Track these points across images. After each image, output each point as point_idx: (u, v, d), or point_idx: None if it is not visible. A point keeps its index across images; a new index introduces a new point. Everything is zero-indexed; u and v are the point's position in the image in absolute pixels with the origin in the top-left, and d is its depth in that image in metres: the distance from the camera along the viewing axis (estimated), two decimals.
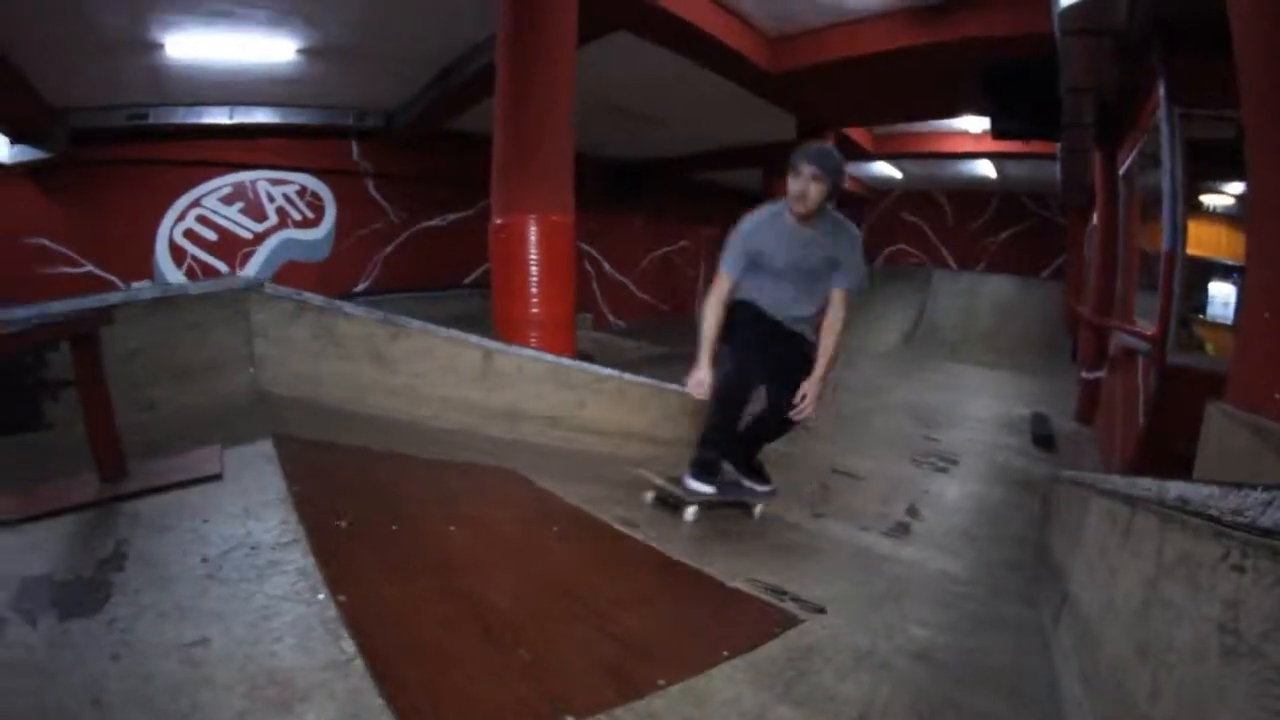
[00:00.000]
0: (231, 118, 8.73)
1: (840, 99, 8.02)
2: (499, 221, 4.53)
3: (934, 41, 6.28)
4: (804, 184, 2.93)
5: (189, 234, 9.27)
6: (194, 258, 9.29)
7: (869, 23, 6.63)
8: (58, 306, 2.79)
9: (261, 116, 8.85)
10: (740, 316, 3.12)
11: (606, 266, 14.28)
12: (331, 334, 3.31)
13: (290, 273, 9.68)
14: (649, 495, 3.16)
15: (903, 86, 7.45)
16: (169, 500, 2.01)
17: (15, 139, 8.19)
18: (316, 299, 3.35)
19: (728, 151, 12.10)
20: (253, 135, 9.08)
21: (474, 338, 3.70)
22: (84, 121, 8.48)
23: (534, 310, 4.42)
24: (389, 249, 10.45)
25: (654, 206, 14.61)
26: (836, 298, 3.11)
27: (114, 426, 2.13)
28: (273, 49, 7.25)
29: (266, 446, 2.34)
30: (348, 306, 3.48)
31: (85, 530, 1.86)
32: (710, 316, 3.05)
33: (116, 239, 9.06)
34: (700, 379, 3.04)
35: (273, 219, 9.73)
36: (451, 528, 2.20)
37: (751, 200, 12.37)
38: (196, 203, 9.31)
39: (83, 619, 1.44)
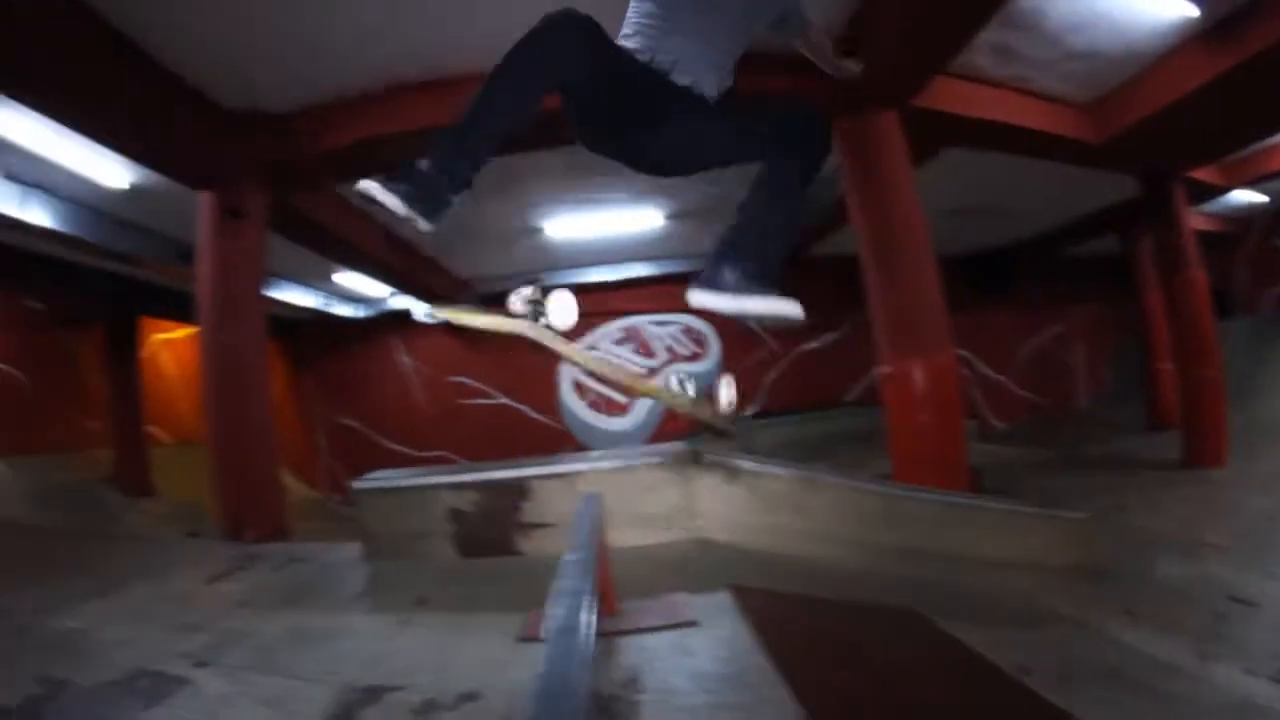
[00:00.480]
0: (614, 274, 10.52)
1: (1171, 145, 7.30)
2: (888, 370, 4.93)
3: (1234, 64, 5.61)
4: None
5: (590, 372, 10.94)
6: (596, 392, 11.13)
7: (1167, 62, 6.10)
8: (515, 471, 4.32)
9: (640, 270, 10.50)
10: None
11: (982, 367, 13.42)
12: (758, 491, 4.08)
13: None
14: None
15: (1229, 111, 6.62)
16: (661, 640, 2.69)
17: (432, 303, 10.75)
18: (747, 464, 4.14)
19: (1079, 222, 11.17)
20: (636, 285, 10.72)
21: (875, 484, 4.19)
22: (487, 287, 10.82)
23: (928, 450, 4.72)
24: (773, 374, 11.24)
25: (1019, 295, 13.45)
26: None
27: (610, 577, 2.78)
28: (644, 219, 8.66)
29: (724, 596, 3.00)
30: (774, 467, 4.24)
31: (599, 655, 2.46)
32: None
33: (525, 377, 11.34)
34: None
35: (663, 355, 11.15)
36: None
37: (1114, 267, 11.45)
38: (593, 346, 11.12)
39: None
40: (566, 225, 8.67)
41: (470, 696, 2.41)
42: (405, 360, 12.31)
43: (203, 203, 5.97)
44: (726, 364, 10.88)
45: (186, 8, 4.55)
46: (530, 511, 4.29)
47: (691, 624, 2.93)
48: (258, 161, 5.92)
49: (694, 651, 2.62)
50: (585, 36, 1.74)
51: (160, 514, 9.25)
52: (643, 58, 1.93)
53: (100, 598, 4.16)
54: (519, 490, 4.35)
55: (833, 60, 2.52)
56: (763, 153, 2.03)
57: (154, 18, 4.59)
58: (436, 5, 4.85)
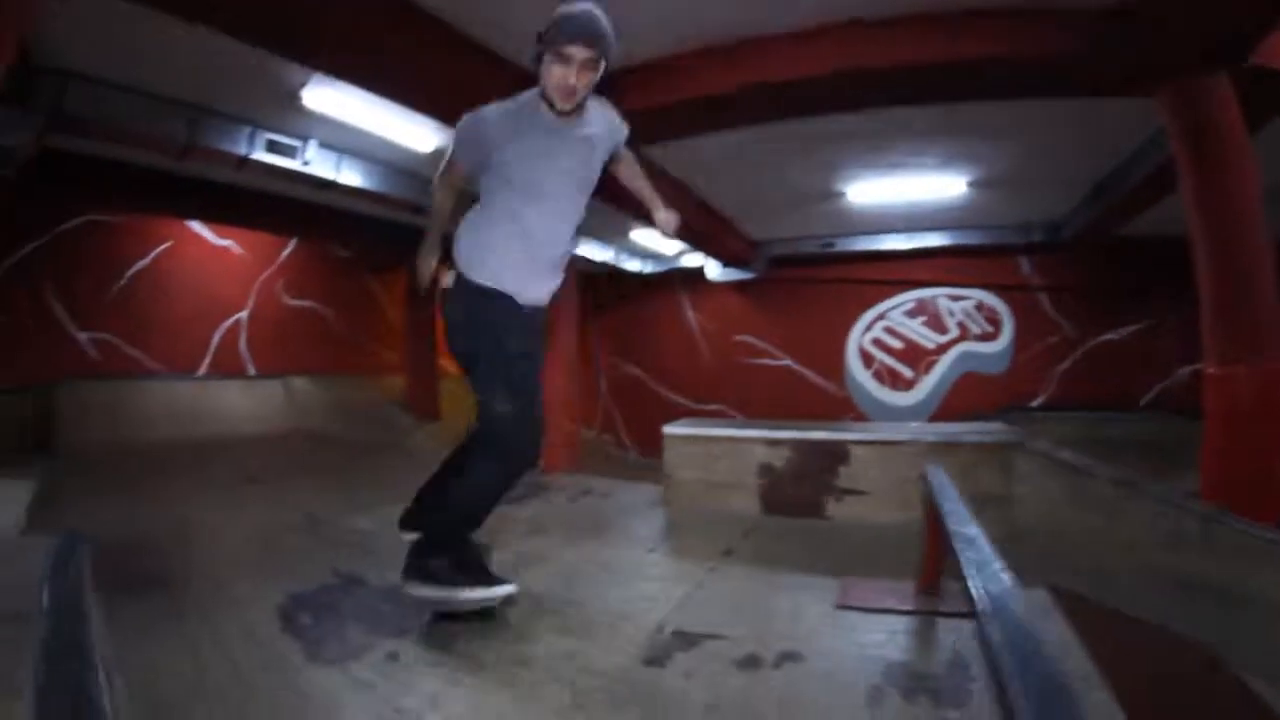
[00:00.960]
0: (909, 242, 10.06)
1: None
2: (1213, 372, 4.36)
3: None
4: (573, 72, 2.34)
5: (877, 342, 10.98)
6: (881, 363, 10.95)
7: None
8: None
9: (936, 240, 9.97)
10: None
11: None
12: (1075, 488, 3.92)
13: (969, 384, 10.54)
14: None
15: None
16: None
17: (724, 264, 11.29)
18: (1066, 455, 3.97)
19: None
20: (930, 256, 10.25)
21: (1200, 505, 3.74)
22: (779, 250, 10.99)
23: (1246, 471, 4.10)
24: (1065, 364, 10.25)
25: None
26: (625, 157, 2.87)
27: (940, 554, 2.63)
28: (945, 186, 8.21)
29: (1042, 595, 2.85)
30: (1094, 465, 4.04)
31: (921, 632, 2.51)
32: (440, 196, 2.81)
33: (811, 341, 11.41)
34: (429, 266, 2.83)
35: (954, 332, 10.68)
36: None
37: None
38: (883, 315, 10.98)
39: (954, 710, 1.97)
40: (868, 190, 8.49)
41: (792, 657, 2.35)
42: (691, 316, 12.86)
43: None
44: (1017, 347, 10.35)
45: None
46: (845, 476, 4.36)
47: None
48: None
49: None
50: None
51: (443, 436, 10.20)
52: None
53: (393, 505, 4.56)
54: (838, 453, 4.39)
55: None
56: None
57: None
58: None
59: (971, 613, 2.64)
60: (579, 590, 3.10)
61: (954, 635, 2.45)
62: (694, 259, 11.95)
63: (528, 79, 2.60)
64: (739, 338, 12.19)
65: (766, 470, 4.53)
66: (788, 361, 11.66)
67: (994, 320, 10.48)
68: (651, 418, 12.85)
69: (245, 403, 9.22)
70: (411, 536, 2.73)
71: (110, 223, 8.47)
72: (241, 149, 6.75)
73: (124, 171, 7.36)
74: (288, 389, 9.84)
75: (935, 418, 10.15)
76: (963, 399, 10.30)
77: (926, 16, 5.02)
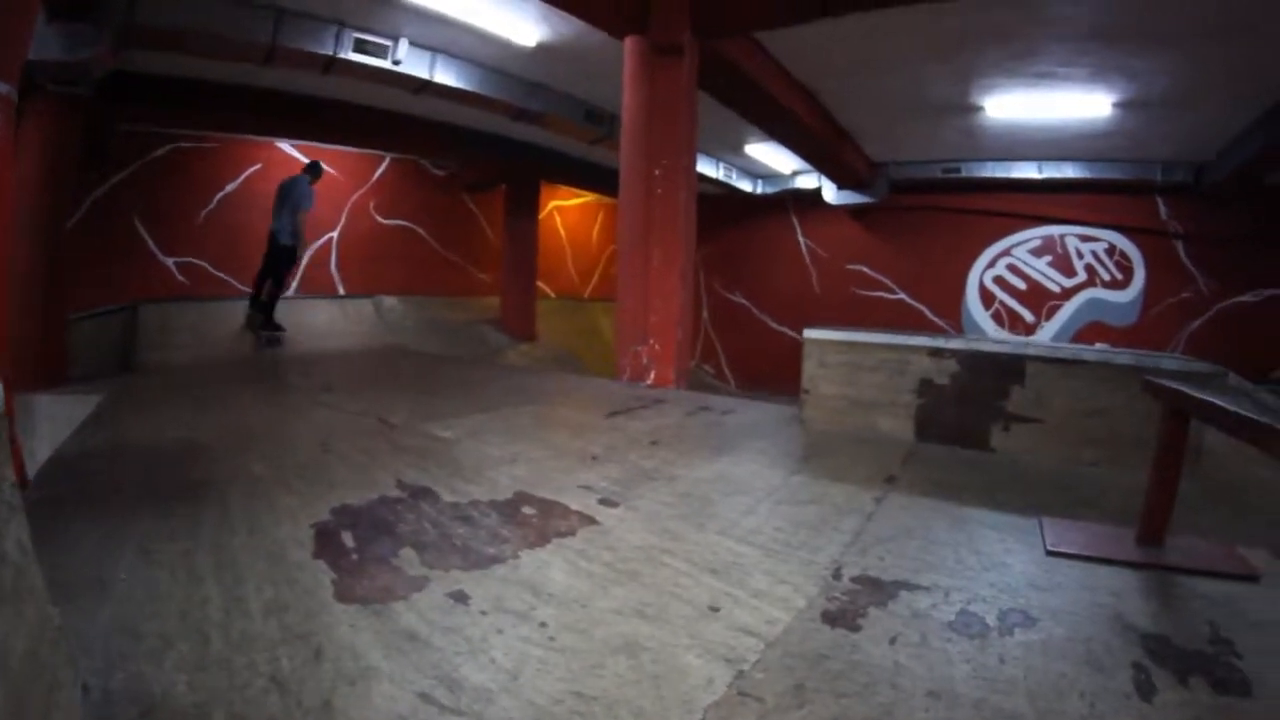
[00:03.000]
0: (1040, 172, 9.21)
1: None
2: None
3: None
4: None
5: (999, 280, 10.24)
6: (1001, 303, 10.21)
7: None
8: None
9: (1070, 171, 9.12)
10: None
11: None
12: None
13: (1093, 334, 9.79)
14: None
15: None
16: (1217, 590, 2.01)
17: (840, 186, 10.68)
18: (1271, 399, 3.14)
19: None
20: (1062, 190, 9.41)
21: None
22: (901, 174, 10.24)
23: None
24: (1196, 323, 9.27)
25: None
26: None
27: (1173, 496, 2.21)
28: (1089, 105, 7.41)
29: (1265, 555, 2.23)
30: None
31: (1157, 592, 2.00)
32: None
33: (929, 275, 10.72)
34: None
35: (1081, 275, 9.84)
36: None
37: None
38: (1007, 252, 10.18)
39: (1245, 699, 1.46)
40: (1008, 104, 7.69)
41: (1021, 619, 1.78)
42: (802, 241, 12.29)
43: (628, 48, 6.10)
44: (1147, 300, 9.42)
45: None
46: (1017, 399, 3.58)
47: (1253, 578, 2.16)
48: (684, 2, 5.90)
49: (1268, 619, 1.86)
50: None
51: (539, 355, 10.40)
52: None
53: (485, 413, 4.12)
54: (1014, 370, 3.60)
55: None
56: None
57: None
58: None
59: (1244, 574, 2.12)
60: (712, 513, 2.50)
61: (1196, 598, 1.95)
62: (810, 180, 11.29)
63: None
64: (852, 267, 11.63)
65: (926, 387, 3.82)
66: (903, 296, 11.09)
67: (1125, 266, 9.56)
68: (755, 349, 12.90)
69: (334, 321, 9.34)
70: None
71: (198, 148, 8.60)
72: (328, 49, 6.46)
73: (207, 89, 7.38)
74: (378, 308, 9.90)
75: None
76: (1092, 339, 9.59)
77: None
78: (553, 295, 12.47)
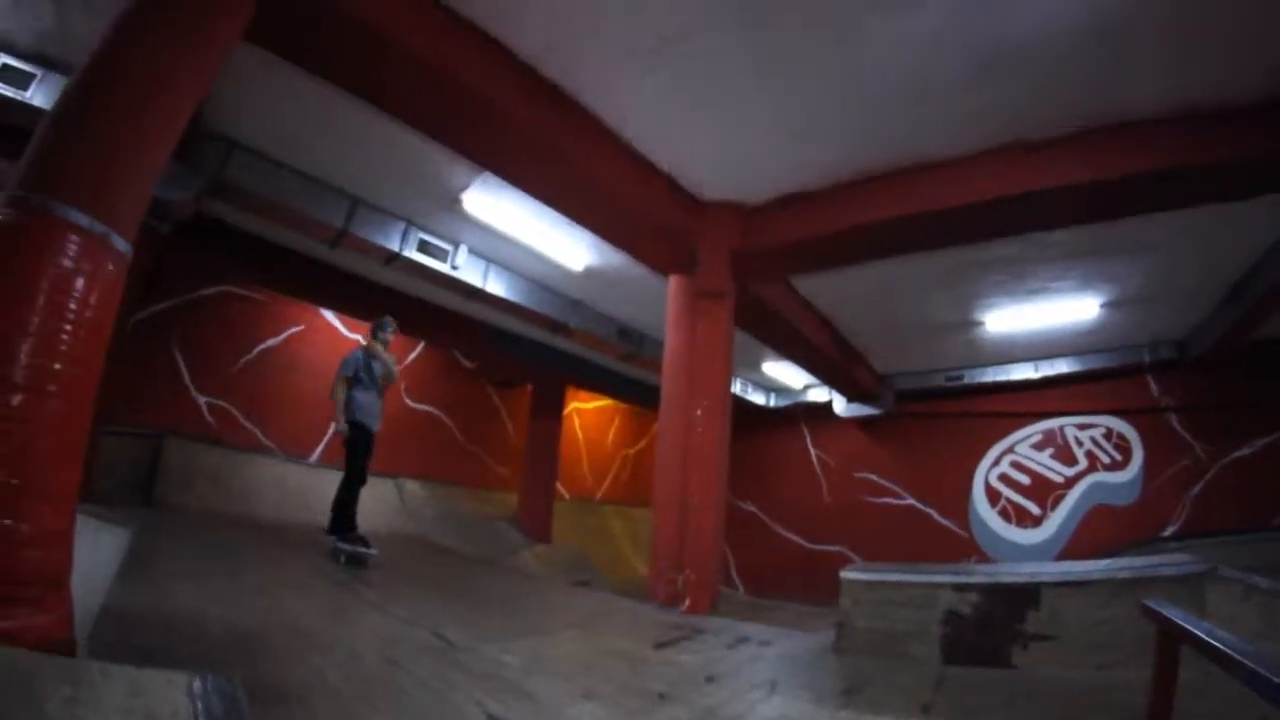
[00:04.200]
0: (1037, 371, 10.18)
1: None
2: None
3: None
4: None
5: (1003, 478, 10.79)
6: (1007, 499, 10.65)
7: None
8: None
9: (1064, 366, 10.05)
10: None
11: None
12: (1270, 609, 3.51)
13: (1098, 517, 10.09)
14: None
15: None
16: None
17: (850, 399, 11.56)
18: (1262, 582, 3.59)
19: None
20: (1058, 384, 10.25)
21: None
22: (906, 384, 11.16)
23: None
24: (1198, 487, 9.64)
25: None
26: None
27: (1170, 703, 2.22)
28: (1079, 309, 8.38)
29: None
30: None
31: None
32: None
33: (936, 478, 11.22)
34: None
35: (1082, 463, 10.35)
36: None
37: None
38: (1010, 449, 10.82)
39: None
40: (1006, 318, 8.76)
41: None
42: (812, 451, 12.88)
43: (673, 287, 6.85)
44: (1148, 474, 9.90)
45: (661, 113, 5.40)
46: (1034, 621, 3.95)
47: None
48: (729, 250, 6.67)
49: None
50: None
51: (554, 560, 10.20)
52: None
53: (535, 636, 4.23)
54: (1029, 596, 4.00)
55: None
56: None
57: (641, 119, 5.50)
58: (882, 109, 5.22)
59: None
60: None
61: None
62: (820, 393, 12.28)
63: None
64: (861, 475, 12.18)
65: (952, 617, 4.20)
66: (911, 500, 11.55)
67: (1123, 447, 10.19)
68: (764, 556, 13.15)
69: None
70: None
71: (246, 297, 9.04)
72: (394, 244, 7.00)
73: (269, 248, 7.85)
74: (400, 491, 9.92)
75: (1063, 555, 9.84)
76: (1092, 533, 9.93)
77: (1090, 133, 5.19)
78: (567, 496, 12.69)
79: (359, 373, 5.99)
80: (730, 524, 13.27)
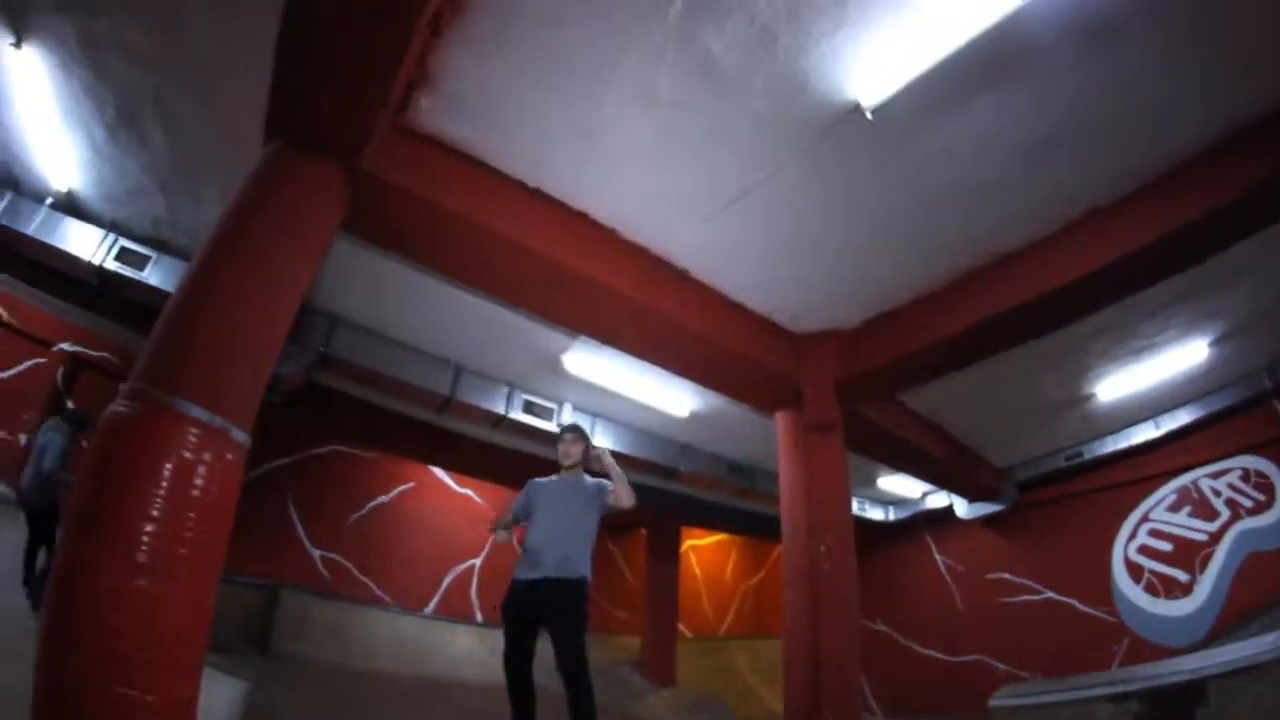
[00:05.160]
0: (1159, 428, 9.46)
1: None
2: None
3: None
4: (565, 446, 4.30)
5: (1143, 549, 9.93)
6: (1151, 571, 9.77)
7: None
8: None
9: (1186, 416, 9.33)
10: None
11: None
12: None
13: (1255, 566, 9.07)
14: None
15: None
16: None
17: (971, 499, 11.02)
18: None
19: None
20: (1181, 436, 9.53)
21: None
22: (1027, 473, 10.53)
23: None
24: None
25: None
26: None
27: None
28: (1188, 355, 7.76)
29: None
30: None
31: None
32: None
33: (1071, 566, 10.37)
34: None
35: (1224, 514, 9.45)
36: None
37: None
38: (1145, 517, 9.98)
39: None
40: (1118, 383, 8.34)
41: None
42: (939, 559, 12.34)
43: (781, 424, 6.83)
44: None
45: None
46: (1204, 717, 3.63)
47: None
48: (831, 380, 6.64)
49: None
50: None
51: (679, 702, 9.97)
52: None
53: None
54: (1195, 695, 3.69)
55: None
56: None
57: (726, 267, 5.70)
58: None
59: None
60: None
61: None
62: (939, 498, 11.93)
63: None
64: (993, 575, 11.45)
65: None
66: (1049, 594, 10.70)
67: (1265, 485, 9.15)
68: (901, 675, 12.45)
69: (474, 649, 9.14)
70: None
71: (356, 455, 9.43)
72: (500, 408, 7.31)
73: (380, 413, 8.15)
74: None
75: (1222, 617, 8.80)
76: (1251, 586, 8.86)
77: (1149, 186, 5.07)
78: (689, 635, 12.47)
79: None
80: (861, 647, 12.55)
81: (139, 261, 5.84)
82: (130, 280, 5.83)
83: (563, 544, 3.89)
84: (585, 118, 4.43)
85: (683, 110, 4.37)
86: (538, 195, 4.90)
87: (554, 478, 4.28)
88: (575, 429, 4.36)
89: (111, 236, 5.89)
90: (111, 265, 5.80)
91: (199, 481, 2.80)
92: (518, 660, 3.77)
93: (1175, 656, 7.47)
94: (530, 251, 4.75)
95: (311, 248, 3.74)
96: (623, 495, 4.03)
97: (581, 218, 5.08)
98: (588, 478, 4.25)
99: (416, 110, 4.31)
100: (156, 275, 5.86)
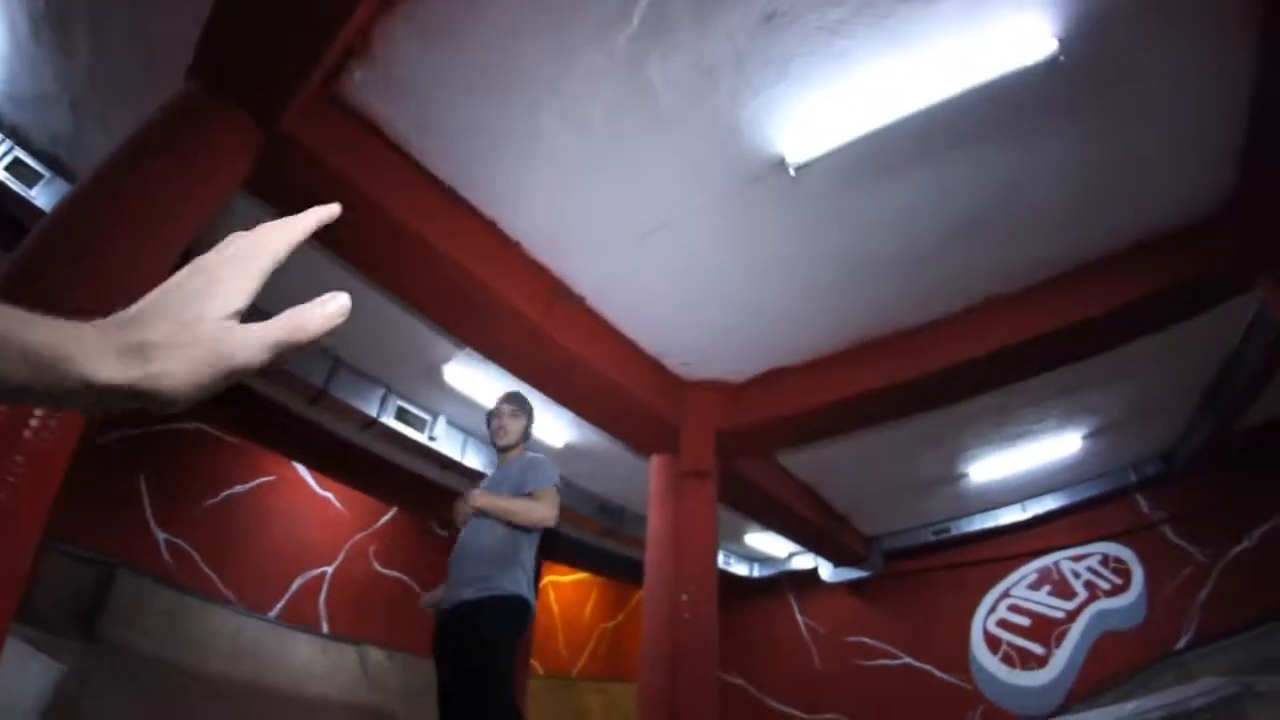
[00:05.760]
0: (1025, 511, 10.02)
1: None
2: None
3: None
4: (500, 421, 3.58)
5: (1002, 623, 10.43)
6: (1009, 644, 10.24)
7: None
8: None
9: (1052, 502, 9.92)
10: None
11: None
12: None
13: (1107, 645, 9.72)
14: None
15: None
16: None
17: (836, 564, 11.24)
18: None
19: None
20: (1047, 521, 10.10)
21: None
22: (894, 543, 10.90)
23: None
24: (1204, 593, 9.32)
25: None
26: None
27: None
28: (1061, 445, 8.41)
29: None
30: None
31: None
32: None
33: (931, 634, 10.79)
34: None
35: (1082, 594, 10.11)
36: None
37: None
38: (1006, 593, 10.49)
39: None
40: (992, 466, 8.80)
41: None
42: (800, 619, 12.53)
43: (655, 466, 6.86)
44: (1151, 591, 9.60)
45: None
46: None
47: None
48: (713, 430, 6.68)
49: None
50: None
51: None
52: None
53: None
54: None
55: None
56: None
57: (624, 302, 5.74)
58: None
59: None
60: None
61: None
62: (806, 560, 12.08)
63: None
64: (853, 639, 11.72)
65: None
66: (907, 659, 11.06)
67: (1122, 570, 9.89)
68: None
69: (314, 663, 8.59)
70: None
71: (220, 438, 8.80)
72: (373, 410, 7.03)
73: (251, 395, 7.64)
74: (364, 660, 9.34)
75: (1074, 690, 9.39)
76: (1102, 662, 9.50)
77: (1055, 280, 5.42)
78: (541, 671, 12.02)
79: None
80: (718, 699, 12.72)
81: (31, 178, 5.30)
82: (16, 196, 5.28)
83: (481, 555, 3.20)
84: (516, 129, 4.39)
85: (613, 138, 4.38)
86: (451, 195, 4.78)
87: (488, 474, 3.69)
88: (516, 398, 3.66)
89: (9, 143, 5.35)
90: (0, 174, 5.25)
91: (33, 423, 2.57)
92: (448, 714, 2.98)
93: None
94: (431, 249, 4.62)
95: (210, 195, 3.52)
96: (538, 509, 3.23)
97: (490, 226, 4.99)
98: (527, 457, 3.53)
99: (349, 80, 4.15)
100: (45, 198, 5.32)
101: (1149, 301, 5.22)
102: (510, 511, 3.17)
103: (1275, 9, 3.56)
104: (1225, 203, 5.00)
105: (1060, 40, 3.72)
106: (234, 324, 0.54)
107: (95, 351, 0.47)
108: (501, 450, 3.53)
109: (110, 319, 0.50)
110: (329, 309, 0.57)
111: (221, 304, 0.54)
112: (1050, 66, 3.80)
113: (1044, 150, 4.45)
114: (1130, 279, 5.23)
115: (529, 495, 3.24)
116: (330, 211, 0.66)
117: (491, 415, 3.60)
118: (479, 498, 3.23)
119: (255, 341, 0.53)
